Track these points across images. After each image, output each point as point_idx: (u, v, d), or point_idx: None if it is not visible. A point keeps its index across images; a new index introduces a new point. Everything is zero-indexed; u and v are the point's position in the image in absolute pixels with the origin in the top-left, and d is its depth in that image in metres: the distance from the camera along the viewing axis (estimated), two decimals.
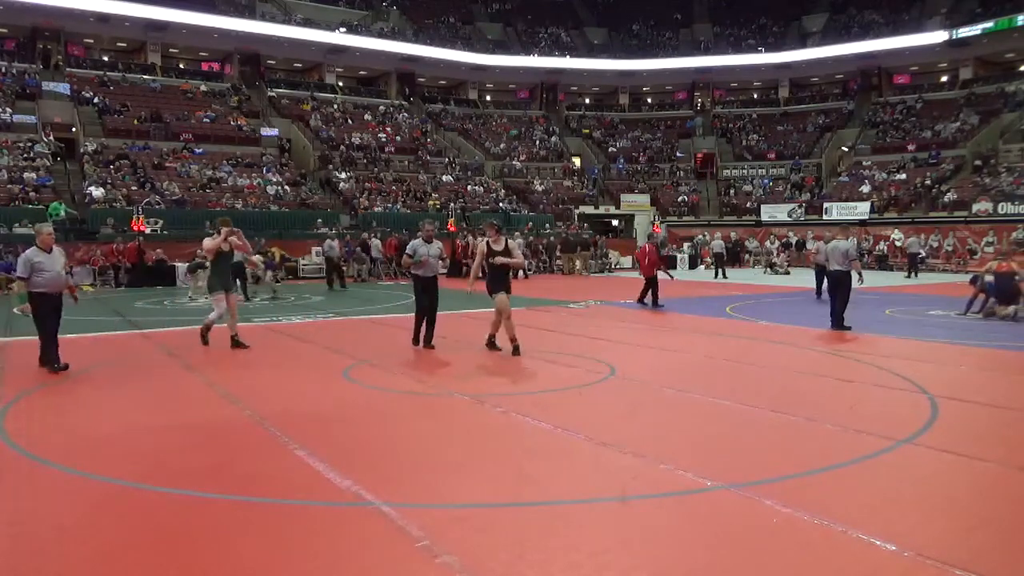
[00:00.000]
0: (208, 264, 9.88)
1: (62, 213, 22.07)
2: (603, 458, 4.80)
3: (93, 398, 6.75)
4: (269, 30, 36.79)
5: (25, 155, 25.95)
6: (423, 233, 9.33)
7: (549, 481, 4.38)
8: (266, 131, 32.87)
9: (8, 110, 27.82)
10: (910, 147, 36.32)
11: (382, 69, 41.46)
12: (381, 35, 40.75)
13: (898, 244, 27.81)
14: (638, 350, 9.47)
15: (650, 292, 14.56)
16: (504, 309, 8.55)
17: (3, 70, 30.76)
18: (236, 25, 35.67)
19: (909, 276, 23.36)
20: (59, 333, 7.93)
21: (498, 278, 8.71)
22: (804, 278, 21.56)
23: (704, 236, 31.07)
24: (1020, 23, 34.65)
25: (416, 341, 9.35)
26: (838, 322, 10.92)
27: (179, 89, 34.02)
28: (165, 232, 23.04)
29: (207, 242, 9.51)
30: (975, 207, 29.21)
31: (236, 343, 9.32)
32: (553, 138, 42.11)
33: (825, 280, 14.17)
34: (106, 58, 35.85)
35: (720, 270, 23.91)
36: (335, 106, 38.05)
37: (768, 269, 26.67)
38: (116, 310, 14.03)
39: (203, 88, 34.82)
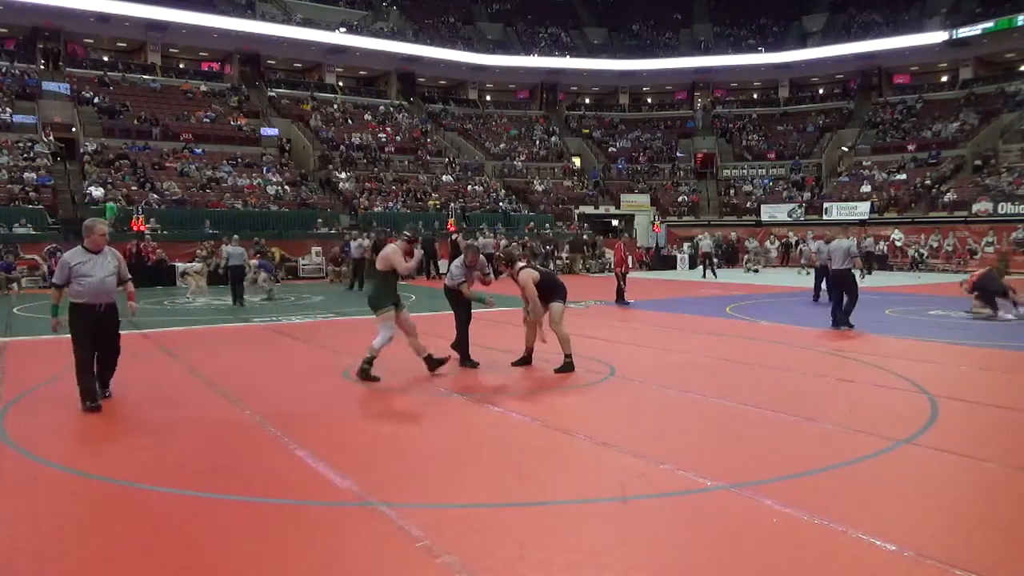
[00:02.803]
0: (375, 274, 7.80)
1: (111, 216, 21.09)
2: (603, 458, 4.80)
3: None
4: (269, 30, 36.79)
5: (25, 155, 25.94)
6: (467, 258, 8.00)
7: (549, 481, 4.39)
8: (266, 131, 32.86)
9: (8, 110, 27.81)
10: (910, 147, 36.32)
11: (382, 69, 41.44)
12: (381, 35, 40.73)
13: (898, 244, 27.84)
14: (638, 350, 9.47)
15: (617, 288, 15.16)
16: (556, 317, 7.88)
17: (3, 70, 30.74)
18: (236, 25, 35.65)
19: (861, 276, 23.52)
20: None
21: (547, 292, 7.94)
22: (796, 278, 21.56)
23: (704, 236, 31.07)
24: (1020, 23, 34.64)
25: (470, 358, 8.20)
26: (844, 321, 10.92)
27: (179, 89, 34.01)
28: (164, 232, 23.03)
29: (393, 255, 7.32)
30: (975, 207, 29.21)
31: (435, 362, 7.60)
32: (553, 138, 42.09)
33: (824, 281, 14.26)
34: (106, 58, 35.84)
35: (708, 269, 23.84)
36: (335, 106, 38.03)
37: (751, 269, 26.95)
38: None
39: (203, 88, 34.81)
